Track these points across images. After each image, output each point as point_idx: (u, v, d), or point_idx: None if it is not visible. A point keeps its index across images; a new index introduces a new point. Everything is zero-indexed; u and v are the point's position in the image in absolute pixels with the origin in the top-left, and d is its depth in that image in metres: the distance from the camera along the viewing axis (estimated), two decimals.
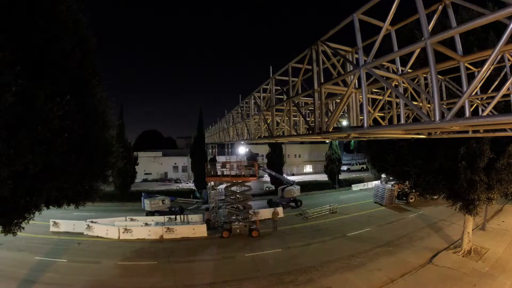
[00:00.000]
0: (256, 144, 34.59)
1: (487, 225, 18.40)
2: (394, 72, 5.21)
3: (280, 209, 23.71)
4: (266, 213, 22.62)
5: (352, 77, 4.15)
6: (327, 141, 40.62)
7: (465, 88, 3.17)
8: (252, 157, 26.29)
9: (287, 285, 12.28)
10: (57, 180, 6.97)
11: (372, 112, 5.54)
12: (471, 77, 3.65)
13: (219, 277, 13.07)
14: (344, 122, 7.07)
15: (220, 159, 25.10)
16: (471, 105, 5.62)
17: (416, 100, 6.05)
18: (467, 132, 6.11)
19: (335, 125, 4.92)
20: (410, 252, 15.39)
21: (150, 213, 23.16)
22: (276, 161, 34.97)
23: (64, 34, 6.91)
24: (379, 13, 3.80)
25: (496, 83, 5.69)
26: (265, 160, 35.49)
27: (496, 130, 6.42)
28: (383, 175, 29.47)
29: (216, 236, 18.69)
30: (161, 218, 21.39)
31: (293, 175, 51.16)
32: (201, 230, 19.07)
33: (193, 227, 19.29)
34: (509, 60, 4.71)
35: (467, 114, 3.31)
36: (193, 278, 12.99)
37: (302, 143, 53.22)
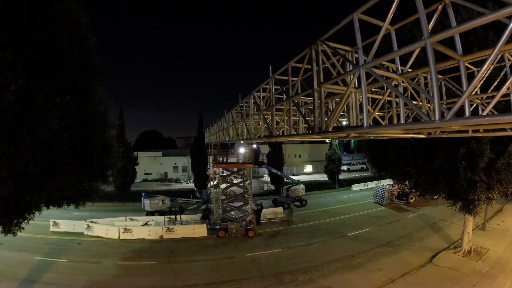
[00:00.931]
0: (256, 143, 34.57)
1: (487, 225, 18.39)
2: (394, 72, 5.20)
3: (280, 209, 23.76)
4: (268, 212, 22.69)
5: (351, 76, 4.14)
6: (327, 141, 40.70)
7: (465, 88, 3.17)
8: (256, 153, 26.55)
9: (287, 285, 12.28)
10: (57, 180, 6.97)
11: (372, 111, 5.53)
12: (471, 76, 3.65)
13: (219, 277, 13.07)
14: (344, 122, 7.07)
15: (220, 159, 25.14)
16: (471, 105, 5.62)
17: (416, 100, 6.04)
18: (467, 131, 6.11)
19: (335, 125, 4.91)
20: (410, 252, 15.39)
21: (150, 213, 23.17)
22: (276, 161, 34.95)
23: (64, 34, 6.91)
24: (379, 13, 3.80)
25: (496, 82, 5.68)
26: (265, 160, 35.47)
27: (496, 130, 6.42)
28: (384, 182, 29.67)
29: (214, 236, 18.69)
30: (161, 218, 21.41)
31: (293, 175, 51.10)
32: (201, 230, 19.07)
33: (193, 227, 19.29)
34: (509, 59, 4.71)
35: (467, 113, 3.31)
36: (193, 278, 12.99)
37: (302, 143, 53.25)
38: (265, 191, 34.78)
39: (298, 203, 26.76)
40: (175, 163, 49.69)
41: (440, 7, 3.87)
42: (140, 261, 14.89)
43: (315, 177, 43.16)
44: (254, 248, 16.73)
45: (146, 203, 23.95)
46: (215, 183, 22.05)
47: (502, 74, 5.43)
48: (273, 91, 7.56)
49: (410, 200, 26.16)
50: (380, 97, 5.64)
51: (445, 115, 2.74)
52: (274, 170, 30.90)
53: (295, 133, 8.69)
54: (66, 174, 7.07)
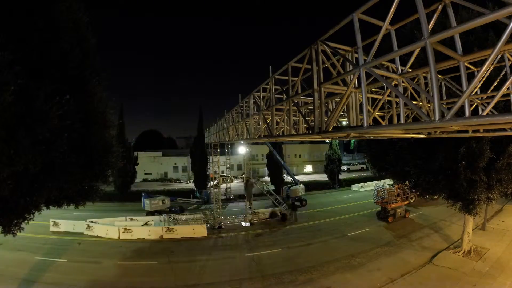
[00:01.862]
0: (256, 143, 34.61)
1: (487, 225, 18.40)
2: (394, 72, 5.20)
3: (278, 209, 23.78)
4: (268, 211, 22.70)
5: (351, 76, 4.14)
6: (327, 141, 40.71)
7: (465, 88, 3.16)
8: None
9: (287, 285, 12.28)
10: (57, 180, 6.97)
11: (372, 111, 5.52)
12: (471, 76, 3.64)
13: (219, 277, 13.07)
14: (344, 122, 7.07)
15: (221, 159, 25.13)
16: (471, 105, 5.62)
17: (416, 100, 6.04)
18: (467, 131, 6.10)
19: (334, 125, 4.90)
20: (410, 252, 15.39)
21: (150, 213, 23.19)
22: (276, 161, 34.94)
23: (64, 34, 6.91)
24: (379, 13, 3.80)
25: (496, 82, 5.68)
26: (265, 160, 35.51)
27: (496, 130, 6.41)
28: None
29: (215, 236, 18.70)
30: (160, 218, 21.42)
31: (293, 174, 51.15)
32: (201, 230, 19.08)
33: (193, 227, 19.30)
34: (509, 59, 4.71)
35: (467, 113, 3.31)
36: (193, 278, 13.00)
37: (302, 142, 53.25)
38: (265, 190, 34.72)
39: (298, 203, 26.76)
40: (175, 163, 49.70)
41: (440, 7, 3.86)
42: (140, 261, 14.90)
43: (315, 177, 43.16)
44: (254, 248, 16.73)
45: (146, 203, 23.97)
46: (215, 183, 22.04)
47: (502, 74, 5.43)
48: (273, 91, 7.55)
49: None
50: (380, 97, 5.63)
51: (445, 115, 2.74)
52: (278, 157, 30.98)
53: (295, 133, 8.69)
54: (66, 174, 7.07)
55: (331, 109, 7.34)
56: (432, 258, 14.27)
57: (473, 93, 5.40)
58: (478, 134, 7.18)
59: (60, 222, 19.75)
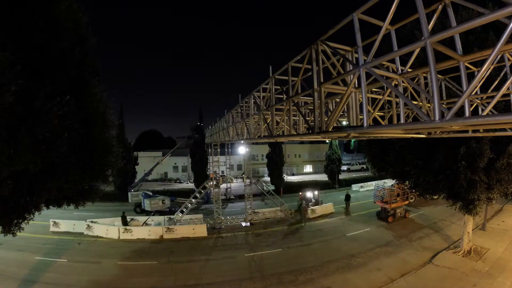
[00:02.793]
0: (256, 143, 34.62)
1: (487, 225, 18.39)
2: (394, 72, 5.20)
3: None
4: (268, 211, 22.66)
5: (351, 76, 4.14)
6: (327, 141, 40.73)
7: (465, 88, 3.16)
8: None
9: (287, 285, 12.28)
10: (57, 180, 6.98)
11: (372, 111, 5.53)
12: (471, 76, 3.64)
13: (219, 277, 13.06)
14: (344, 122, 7.07)
15: (221, 159, 25.11)
16: (471, 105, 5.62)
17: (416, 100, 6.04)
18: (467, 131, 6.11)
19: (334, 125, 4.91)
20: (410, 252, 15.38)
21: (150, 213, 23.17)
22: (276, 161, 34.95)
23: (64, 34, 6.91)
24: (379, 13, 3.80)
25: (496, 82, 5.68)
26: (265, 160, 35.42)
27: (496, 130, 6.42)
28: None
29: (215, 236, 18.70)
30: (161, 218, 21.41)
31: (293, 175, 51.20)
32: (201, 230, 19.08)
33: (193, 227, 19.30)
34: (509, 59, 4.71)
35: (467, 113, 3.31)
36: (193, 278, 12.99)
37: (302, 142, 53.26)
38: (265, 191, 34.68)
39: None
40: (175, 163, 49.67)
41: (440, 7, 3.86)
42: (140, 261, 14.89)
43: (315, 177, 43.12)
44: (254, 248, 16.73)
45: (146, 203, 23.95)
46: (215, 183, 22.03)
47: (502, 74, 5.43)
48: (273, 91, 7.56)
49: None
50: (380, 97, 5.63)
51: (445, 115, 2.74)
52: None
53: (295, 133, 8.68)
54: (66, 174, 7.07)
55: (331, 109, 7.34)
56: (432, 258, 14.26)
57: (473, 93, 5.40)
58: (478, 134, 7.18)
59: (60, 222, 19.75)
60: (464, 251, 14.41)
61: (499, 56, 4.49)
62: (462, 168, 11.27)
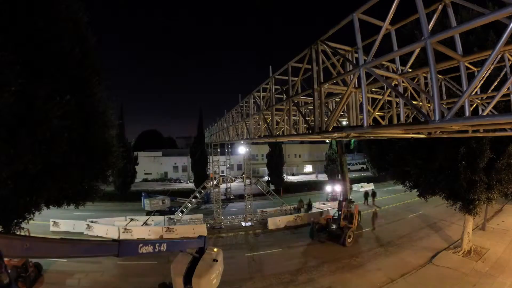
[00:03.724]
0: (256, 143, 34.61)
1: (487, 225, 18.39)
2: (394, 72, 5.20)
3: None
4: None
5: (351, 76, 4.14)
6: (327, 141, 40.69)
7: (465, 88, 3.16)
8: None
9: (287, 285, 12.28)
10: (57, 180, 6.99)
11: (372, 111, 5.53)
12: (471, 76, 3.64)
13: None
14: (344, 122, 7.07)
15: (221, 159, 25.10)
16: (471, 105, 5.62)
17: (416, 100, 6.04)
18: (467, 131, 6.10)
19: (335, 125, 4.91)
20: (410, 252, 15.38)
21: (150, 213, 23.17)
22: (276, 161, 34.97)
23: (64, 34, 6.91)
24: (379, 13, 3.80)
25: (496, 82, 5.68)
26: (265, 160, 35.40)
27: (496, 130, 6.41)
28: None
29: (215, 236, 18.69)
30: (160, 218, 21.41)
31: (293, 174, 51.22)
32: (201, 230, 19.05)
33: (193, 227, 19.30)
34: (509, 60, 4.71)
35: (467, 113, 3.31)
36: None
37: (302, 142, 53.28)
38: (265, 191, 34.67)
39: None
40: (175, 163, 49.74)
41: (440, 7, 3.86)
42: (140, 261, 14.87)
43: (314, 177, 43.15)
44: (254, 248, 16.73)
45: (146, 203, 23.96)
46: (215, 183, 22.02)
47: (502, 74, 5.43)
48: (273, 91, 7.56)
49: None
50: (380, 97, 5.63)
51: (445, 115, 2.74)
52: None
53: (295, 133, 8.69)
54: (66, 174, 7.08)
55: (331, 109, 7.34)
56: (432, 258, 14.26)
57: (473, 93, 5.40)
58: (478, 134, 7.18)
59: (60, 222, 19.73)
60: (464, 251, 14.41)
61: (499, 56, 4.49)
62: (462, 168, 11.27)
